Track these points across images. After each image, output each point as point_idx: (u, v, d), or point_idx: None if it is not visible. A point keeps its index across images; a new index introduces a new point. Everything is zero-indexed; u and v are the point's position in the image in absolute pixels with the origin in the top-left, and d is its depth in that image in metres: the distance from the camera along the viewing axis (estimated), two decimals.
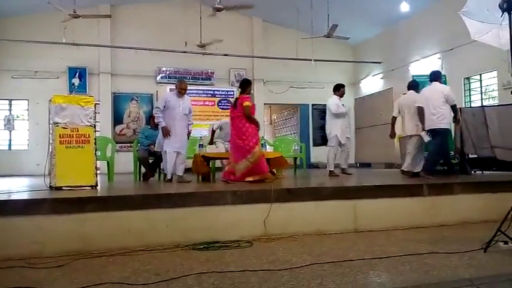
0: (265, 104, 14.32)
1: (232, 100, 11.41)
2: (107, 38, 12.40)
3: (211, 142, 7.81)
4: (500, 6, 3.77)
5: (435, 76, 6.52)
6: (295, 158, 7.70)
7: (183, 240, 3.96)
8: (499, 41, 4.10)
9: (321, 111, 14.52)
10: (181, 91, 6.32)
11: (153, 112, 6.28)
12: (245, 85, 6.08)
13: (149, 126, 7.63)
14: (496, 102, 9.38)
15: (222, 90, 11.73)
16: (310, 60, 12.48)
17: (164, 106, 6.23)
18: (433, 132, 6.29)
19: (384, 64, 13.38)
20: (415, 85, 6.91)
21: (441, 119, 6.20)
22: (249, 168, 5.74)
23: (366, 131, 12.48)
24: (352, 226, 4.61)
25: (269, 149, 7.70)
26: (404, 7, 10.41)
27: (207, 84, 12.63)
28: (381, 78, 13.52)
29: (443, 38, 10.48)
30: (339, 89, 7.55)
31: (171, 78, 12.77)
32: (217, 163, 7.33)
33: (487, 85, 9.94)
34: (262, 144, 6.86)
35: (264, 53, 13.24)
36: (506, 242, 3.71)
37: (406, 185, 5.22)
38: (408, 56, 12.17)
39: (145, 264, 3.31)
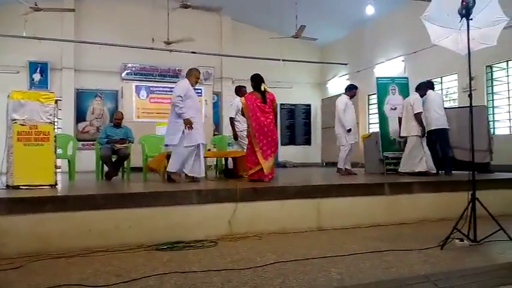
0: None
1: (200, 98, 11.42)
2: (71, 32, 12.00)
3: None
4: (459, 12, 3.93)
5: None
6: None
7: (147, 240, 3.91)
8: (458, 46, 4.27)
9: (289, 111, 14.68)
10: (197, 80, 5.95)
11: (175, 101, 5.48)
12: (258, 80, 5.81)
13: (112, 124, 7.37)
14: (456, 104, 9.77)
15: None
16: (279, 60, 12.57)
17: (184, 95, 5.58)
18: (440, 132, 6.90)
19: (350, 65, 13.65)
20: (418, 87, 7.18)
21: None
22: (273, 167, 5.71)
23: (332, 131, 12.65)
24: (316, 224, 4.69)
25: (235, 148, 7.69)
26: (370, 10, 10.66)
27: (175, 82, 12.41)
28: (347, 79, 13.77)
29: (407, 41, 10.81)
30: (350, 90, 7.57)
31: (137, 74, 12.53)
32: None
33: (448, 88, 10.34)
34: (229, 143, 6.85)
35: (233, 51, 13.21)
36: (461, 239, 3.88)
37: (368, 184, 5.36)
38: (373, 58, 12.47)
39: (106, 265, 3.24)
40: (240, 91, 7.40)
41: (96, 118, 12.34)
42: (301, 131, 14.88)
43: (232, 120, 7.18)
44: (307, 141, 14.99)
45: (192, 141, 5.60)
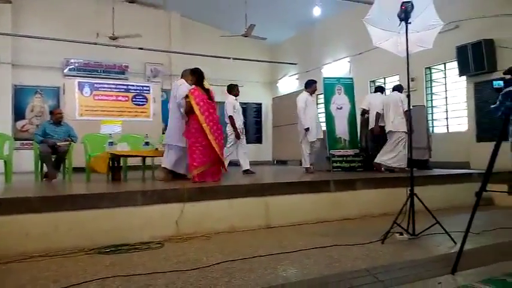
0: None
1: (146, 95, 11.18)
2: (8, 25, 11.23)
3: (239, 135, 7.00)
4: (399, 16, 4.12)
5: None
6: None
7: (89, 243, 3.76)
8: (397, 48, 4.48)
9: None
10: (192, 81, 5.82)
11: (181, 102, 5.52)
12: (200, 75, 5.69)
13: (51, 121, 6.89)
14: None
15: (137, 85, 11.24)
16: (229, 58, 12.54)
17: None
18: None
19: (299, 65, 13.90)
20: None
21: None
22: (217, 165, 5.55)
23: (283, 129, 12.87)
24: (265, 222, 4.74)
25: None
26: (317, 11, 10.92)
27: (121, 79, 12.06)
28: (297, 78, 14.03)
29: (353, 43, 11.18)
30: (310, 86, 7.46)
31: (80, 70, 11.97)
32: (130, 161, 7.06)
33: (391, 88, 10.81)
34: None
35: (183, 48, 12.99)
36: (401, 233, 4.08)
37: (314, 182, 5.48)
38: (321, 58, 12.78)
39: (44, 271, 3.08)
40: (233, 90, 7.36)
41: (36, 116, 11.66)
42: (253, 129, 14.96)
43: (232, 118, 7.07)
44: (259, 140, 15.10)
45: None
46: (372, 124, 7.65)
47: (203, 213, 4.36)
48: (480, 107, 7.77)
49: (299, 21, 12.68)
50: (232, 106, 7.12)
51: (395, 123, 7.13)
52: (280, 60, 14.58)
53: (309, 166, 7.27)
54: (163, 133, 10.38)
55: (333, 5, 10.50)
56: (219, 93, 13.84)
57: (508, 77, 2.98)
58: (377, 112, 7.45)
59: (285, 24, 13.10)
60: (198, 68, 5.79)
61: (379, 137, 7.47)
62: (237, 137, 7.06)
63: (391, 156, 7.09)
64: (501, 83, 2.98)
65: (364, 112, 8.07)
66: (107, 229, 3.91)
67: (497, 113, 2.77)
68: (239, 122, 7.17)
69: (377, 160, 7.24)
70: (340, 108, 8.01)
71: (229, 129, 7.13)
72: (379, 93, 8.10)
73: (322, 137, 7.60)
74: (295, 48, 14.22)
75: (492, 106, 2.83)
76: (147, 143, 6.31)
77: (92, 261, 3.36)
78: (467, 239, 3.03)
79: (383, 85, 9.49)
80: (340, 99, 8.10)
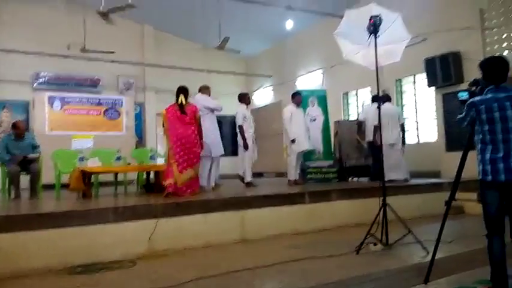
0: (158, 113, 13.92)
1: (118, 109, 10.99)
2: None
3: (247, 145, 6.85)
4: (368, 29, 4.22)
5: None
6: None
7: (58, 263, 3.64)
8: (367, 61, 4.59)
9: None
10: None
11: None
12: (187, 92, 5.82)
13: (12, 136, 6.42)
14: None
15: (110, 99, 11.04)
16: (204, 70, 12.53)
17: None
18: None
19: (274, 77, 14.03)
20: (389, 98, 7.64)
21: None
22: (193, 179, 5.47)
23: (259, 141, 12.88)
24: (240, 236, 4.71)
25: (160, 161, 7.45)
26: (289, 24, 11.08)
27: (93, 92, 11.84)
28: (272, 90, 14.15)
29: (326, 55, 11.36)
30: (294, 97, 7.42)
31: (50, 84, 11.68)
32: (102, 177, 6.90)
33: (364, 99, 11.04)
34: (151, 156, 6.62)
35: (156, 61, 12.90)
36: (375, 244, 4.13)
37: (289, 194, 5.49)
38: (295, 70, 12.94)
39: None
40: (243, 98, 7.23)
41: (4, 132, 11.28)
42: (229, 141, 14.91)
43: (241, 128, 6.94)
44: (235, 152, 15.01)
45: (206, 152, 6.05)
46: (369, 136, 7.53)
47: (177, 229, 4.29)
48: (448, 117, 8.00)
49: (273, 34, 12.83)
50: (242, 115, 6.95)
51: (395, 135, 7.17)
52: (255, 73, 14.69)
53: (293, 178, 7.16)
54: (136, 147, 10.29)
55: (305, 18, 10.69)
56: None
57: (473, 88, 3.06)
58: (375, 125, 7.24)
59: (260, 37, 13.23)
60: (179, 86, 5.93)
61: (377, 149, 7.53)
62: (245, 147, 6.90)
63: (398, 170, 7.10)
64: (466, 94, 3.06)
65: (360, 124, 7.83)
66: (78, 248, 3.80)
67: (463, 123, 2.84)
68: (250, 131, 7.02)
69: (394, 178, 7.00)
70: (314, 120, 8.09)
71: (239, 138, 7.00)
72: (375, 103, 8.03)
73: (314, 148, 7.70)
74: (269, 60, 14.36)
75: (458, 117, 2.91)
76: (119, 158, 6.18)
77: (60, 282, 3.25)
78: (440, 247, 3.08)
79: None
80: (313, 110, 8.19)
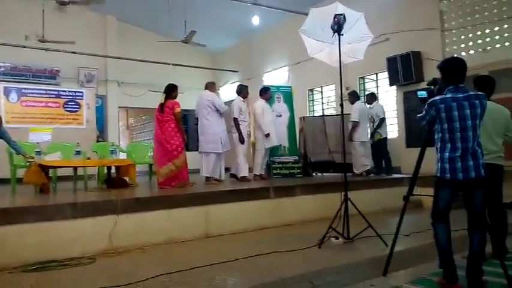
0: (120, 107, 13.59)
1: (79, 101, 10.62)
2: None
3: (243, 139, 6.75)
4: (332, 28, 4.28)
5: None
6: (150, 165, 7.45)
7: (13, 261, 3.48)
8: (331, 59, 4.65)
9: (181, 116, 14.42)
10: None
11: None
12: (170, 90, 6.01)
13: None
14: (334, 112, 10.61)
15: (69, 91, 10.62)
16: (169, 64, 12.32)
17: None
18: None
19: (241, 73, 13.99)
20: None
21: None
22: (174, 173, 5.76)
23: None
24: (205, 232, 4.68)
25: (121, 156, 7.27)
26: (256, 20, 11.07)
27: (52, 84, 11.37)
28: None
29: (292, 52, 11.44)
30: (265, 93, 7.44)
31: (6, 75, 11.13)
32: (61, 172, 6.64)
33: (328, 96, 11.21)
34: (112, 151, 6.43)
35: (119, 53, 12.55)
36: (336, 238, 4.21)
37: (254, 189, 5.50)
38: (262, 66, 12.95)
39: None
40: (241, 91, 7.12)
41: None
42: (195, 137, 14.74)
43: (236, 120, 6.82)
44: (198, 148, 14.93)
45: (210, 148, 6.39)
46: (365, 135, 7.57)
47: (139, 225, 4.20)
48: (409, 115, 8.27)
49: (240, 29, 12.78)
50: (238, 108, 6.87)
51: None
52: (222, 68, 14.59)
53: (257, 173, 7.16)
54: (97, 141, 9.99)
55: (272, 14, 10.70)
56: (155, 101, 13.68)
57: (431, 87, 3.16)
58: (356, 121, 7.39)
59: (226, 31, 13.14)
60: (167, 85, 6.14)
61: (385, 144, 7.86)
62: (241, 141, 6.81)
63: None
64: (425, 93, 3.16)
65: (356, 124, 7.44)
66: (33, 245, 3.65)
67: (423, 121, 2.93)
68: (245, 125, 6.94)
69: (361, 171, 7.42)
70: (280, 115, 8.14)
71: (234, 131, 6.89)
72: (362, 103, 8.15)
73: (283, 144, 7.78)
74: (236, 55, 14.30)
75: (418, 115, 3.00)
76: (78, 152, 5.97)
77: (14, 281, 3.11)
78: (398, 241, 3.18)
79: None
80: (279, 107, 8.23)
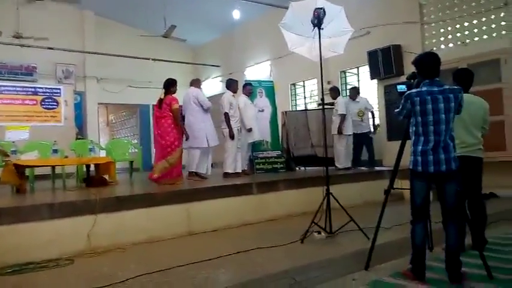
0: (99, 103, 13.34)
1: (56, 98, 10.38)
2: None
3: (233, 134, 6.64)
4: (312, 22, 4.26)
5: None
6: (131, 162, 7.35)
7: None
8: (311, 53, 4.63)
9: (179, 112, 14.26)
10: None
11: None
12: (169, 85, 6.06)
13: None
14: (316, 106, 10.64)
15: (47, 88, 10.36)
16: (149, 59, 12.14)
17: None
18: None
19: (222, 68, 13.88)
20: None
21: None
22: (168, 170, 5.86)
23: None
24: (187, 229, 4.63)
25: (102, 153, 7.14)
26: (236, 14, 10.98)
27: (28, 81, 11.08)
28: (220, 81, 13.99)
29: (274, 46, 11.39)
30: (245, 87, 7.38)
31: None
32: (39, 171, 6.48)
33: (311, 90, 11.23)
34: (90, 148, 6.31)
35: (98, 48, 12.28)
36: (319, 232, 4.22)
37: (236, 185, 5.46)
38: (244, 61, 12.88)
39: None
40: (231, 86, 7.00)
41: None
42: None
43: (227, 115, 6.70)
44: None
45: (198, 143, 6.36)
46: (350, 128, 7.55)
47: (119, 224, 4.13)
48: (390, 108, 8.33)
49: (221, 23, 12.67)
50: (229, 103, 6.75)
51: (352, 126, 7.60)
52: (203, 62, 14.46)
53: (241, 169, 7.04)
54: (77, 138, 9.79)
55: (253, 8, 10.63)
56: (135, 97, 13.52)
57: (411, 81, 3.18)
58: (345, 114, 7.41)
59: (207, 26, 13.00)
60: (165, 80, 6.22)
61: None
62: (231, 136, 6.70)
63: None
64: (404, 87, 3.18)
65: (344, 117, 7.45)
66: (10, 247, 3.55)
67: (399, 116, 2.95)
68: (235, 120, 6.82)
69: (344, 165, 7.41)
70: (262, 110, 8.10)
71: (224, 127, 6.78)
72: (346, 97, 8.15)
73: (262, 139, 7.70)
74: (218, 50, 14.19)
75: (395, 110, 3.02)
76: (55, 151, 5.84)
77: None
78: (380, 234, 3.21)
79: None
80: (261, 101, 8.20)
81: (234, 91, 7.05)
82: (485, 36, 7.08)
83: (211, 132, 6.53)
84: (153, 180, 5.86)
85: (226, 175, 6.75)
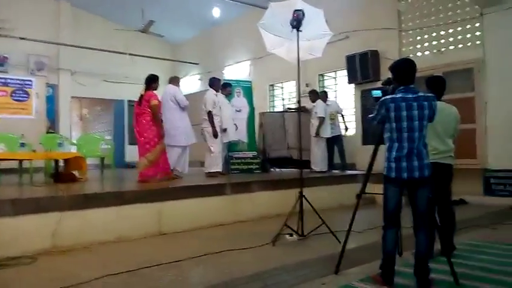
0: (73, 97, 13.01)
1: (27, 90, 10.06)
2: None
3: (216, 133, 6.56)
4: (291, 23, 4.24)
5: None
6: (102, 158, 7.17)
7: None
8: (290, 55, 4.61)
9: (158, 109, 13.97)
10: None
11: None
12: (150, 81, 5.91)
13: None
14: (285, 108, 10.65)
15: (18, 79, 10.03)
16: (125, 53, 11.92)
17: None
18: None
19: (201, 66, 13.76)
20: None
21: None
22: (147, 167, 5.73)
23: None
24: (157, 229, 4.54)
25: (72, 149, 6.94)
26: (216, 12, 10.91)
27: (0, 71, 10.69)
28: (199, 79, 13.87)
29: (253, 46, 11.33)
30: (225, 88, 7.27)
31: None
32: (5, 164, 6.25)
33: (290, 92, 11.24)
34: (60, 143, 6.12)
35: (73, 41, 11.98)
36: (291, 235, 4.20)
37: (210, 185, 5.40)
38: (223, 59, 12.80)
39: None
40: (214, 84, 6.89)
41: None
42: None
43: (210, 114, 6.58)
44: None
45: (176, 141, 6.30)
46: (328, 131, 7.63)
47: (85, 223, 4.01)
48: (366, 112, 8.42)
49: (201, 21, 12.54)
50: (212, 101, 6.66)
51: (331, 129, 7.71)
52: (182, 59, 14.30)
53: (217, 170, 6.83)
54: (48, 132, 9.50)
55: (234, 7, 10.58)
56: (110, 92, 13.25)
57: (386, 87, 3.19)
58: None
59: (187, 23, 12.86)
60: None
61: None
62: (215, 135, 6.60)
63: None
64: (379, 92, 3.18)
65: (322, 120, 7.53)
66: None
67: (374, 121, 2.96)
68: (218, 119, 6.72)
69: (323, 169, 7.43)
70: (239, 110, 8.06)
71: (206, 126, 6.66)
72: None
73: (238, 139, 7.63)
74: (197, 48, 14.05)
75: (369, 116, 3.02)
76: (22, 144, 5.64)
77: None
78: (351, 238, 3.21)
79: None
80: (239, 101, 8.16)
81: (217, 90, 6.97)
82: (460, 46, 7.24)
83: (188, 131, 6.48)
84: (138, 179, 5.76)
85: (209, 174, 6.66)
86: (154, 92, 5.90)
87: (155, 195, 4.69)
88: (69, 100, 12.60)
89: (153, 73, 6.04)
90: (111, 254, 3.71)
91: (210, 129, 6.62)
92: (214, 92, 6.87)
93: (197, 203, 4.97)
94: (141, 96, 5.85)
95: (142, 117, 5.76)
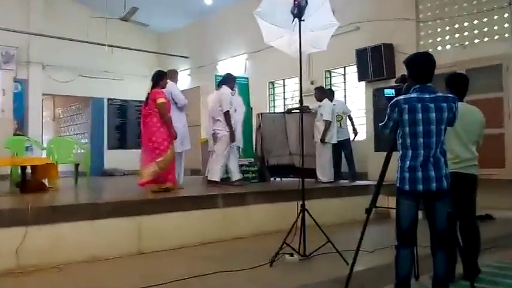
0: (45, 94, 13.02)
1: None
2: None
3: (234, 136, 6.55)
4: (292, 12, 4.22)
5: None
6: (76, 165, 7.14)
7: None
8: (290, 48, 4.59)
9: (118, 108, 14.02)
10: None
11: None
12: (158, 78, 5.88)
13: None
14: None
15: None
16: (105, 45, 11.92)
17: None
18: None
19: (192, 60, 13.77)
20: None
21: None
22: (158, 174, 5.64)
23: None
24: (137, 248, 4.51)
25: (42, 153, 6.92)
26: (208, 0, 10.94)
27: None
28: (188, 74, 13.88)
29: (251, 38, 11.31)
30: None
31: None
32: None
33: (293, 90, 11.23)
34: (27, 147, 6.10)
35: (45, 30, 12.00)
36: (291, 254, 4.17)
37: (199, 196, 5.39)
38: (216, 53, 12.81)
39: None
40: (229, 81, 6.86)
41: None
42: (134, 132, 14.32)
43: (228, 114, 6.57)
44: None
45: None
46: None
47: (55, 239, 3.98)
48: (378, 115, 8.39)
49: (192, 8, 12.58)
50: (229, 100, 6.65)
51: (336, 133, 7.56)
52: (169, 52, 14.32)
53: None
54: (15, 134, 9.49)
55: None
56: (87, 88, 13.26)
57: (400, 85, 3.17)
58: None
59: (175, 10, 12.88)
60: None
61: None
62: (232, 138, 6.59)
63: None
64: (392, 91, 3.17)
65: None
66: None
67: (386, 129, 2.92)
68: (233, 121, 6.72)
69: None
70: (235, 110, 8.01)
71: (220, 128, 6.63)
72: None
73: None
74: (186, 39, 14.07)
75: (380, 124, 2.98)
76: None
77: None
78: (360, 258, 3.18)
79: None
80: (234, 100, 8.11)
81: (232, 87, 6.95)
82: (486, 39, 7.24)
83: (185, 135, 6.43)
84: (141, 186, 5.72)
85: (212, 183, 6.59)
86: (163, 90, 5.89)
87: (134, 207, 4.66)
88: (41, 97, 12.62)
89: (160, 69, 6.08)
90: (83, 275, 3.69)
91: (225, 132, 6.58)
92: (229, 89, 6.84)
93: (183, 217, 4.94)
94: (148, 95, 5.84)
95: (149, 118, 5.73)
